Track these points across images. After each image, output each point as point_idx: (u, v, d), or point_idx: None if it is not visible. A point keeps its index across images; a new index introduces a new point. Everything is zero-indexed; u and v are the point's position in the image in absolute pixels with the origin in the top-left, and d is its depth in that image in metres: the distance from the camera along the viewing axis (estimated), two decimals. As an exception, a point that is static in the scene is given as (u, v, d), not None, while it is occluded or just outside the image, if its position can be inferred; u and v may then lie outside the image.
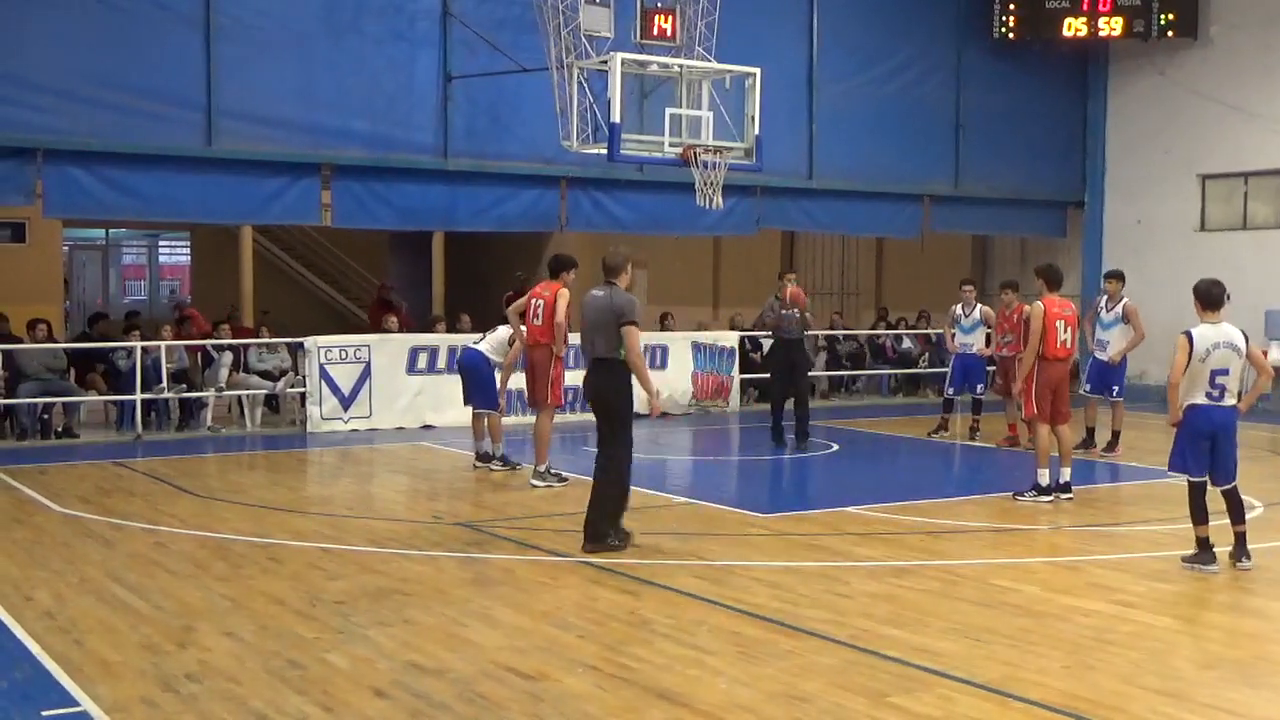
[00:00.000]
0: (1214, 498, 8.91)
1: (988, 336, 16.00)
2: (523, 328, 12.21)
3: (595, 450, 13.13)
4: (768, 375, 16.28)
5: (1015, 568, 8.94)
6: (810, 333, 16.44)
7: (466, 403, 13.43)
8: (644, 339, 18.36)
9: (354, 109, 16.78)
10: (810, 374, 17.42)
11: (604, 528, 9.12)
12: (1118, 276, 14.86)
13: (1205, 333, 8.71)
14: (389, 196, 17.42)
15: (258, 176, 16.50)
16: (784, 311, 15.22)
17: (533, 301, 12.10)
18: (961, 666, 6.54)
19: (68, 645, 6.85)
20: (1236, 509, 8.86)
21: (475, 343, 13.45)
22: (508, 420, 13.88)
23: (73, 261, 34.46)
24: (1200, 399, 8.70)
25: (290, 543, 9.46)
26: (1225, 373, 8.68)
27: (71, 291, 32.17)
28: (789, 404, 15.29)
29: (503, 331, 13.16)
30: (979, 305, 16.11)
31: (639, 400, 9.45)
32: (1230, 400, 8.76)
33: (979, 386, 16.07)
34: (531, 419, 12.90)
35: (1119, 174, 22.77)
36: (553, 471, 12.18)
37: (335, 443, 15.54)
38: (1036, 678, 6.38)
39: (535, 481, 12.05)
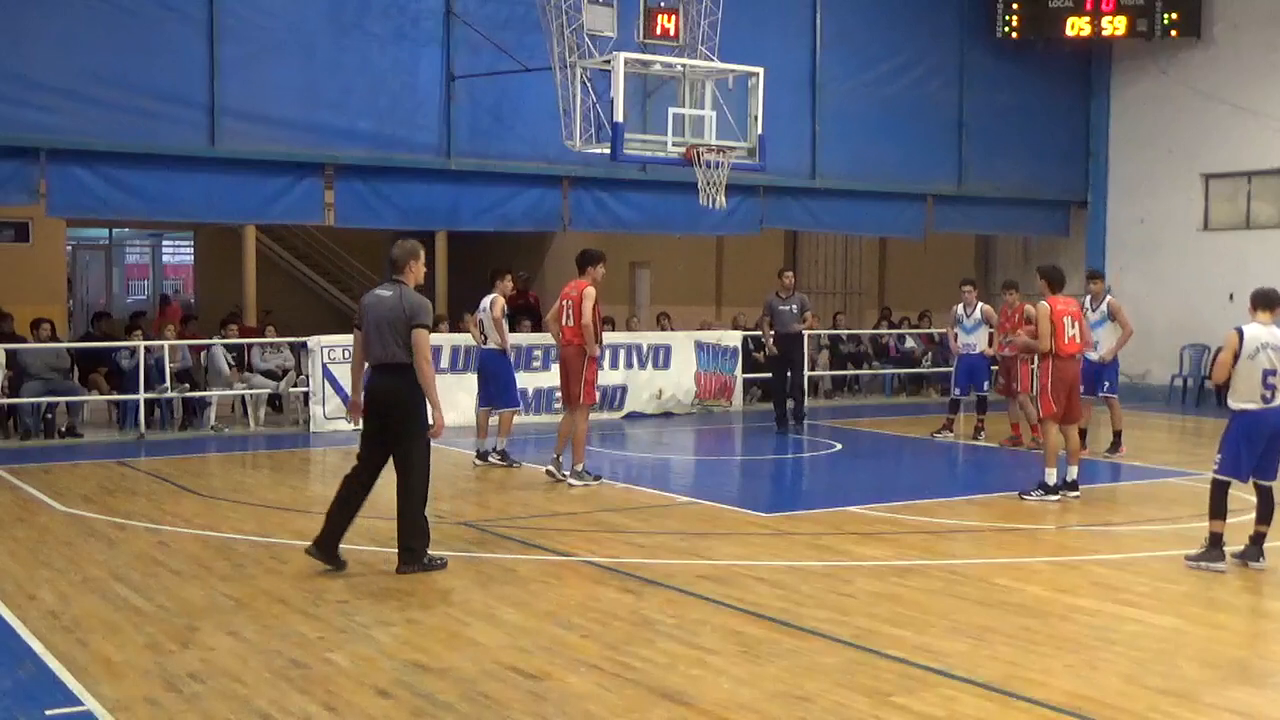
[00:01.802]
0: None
1: (990, 336, 16.02)
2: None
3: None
4: (770, 371, 17.45)
5: (1018, 567, 8.93)
6: (812, 331, 17.45)
7: (486, 404, 13.49)
8: (646, 338, 18.84)
9: (357, 108, 16.78)
10: (814, 373, 17.73)
11: (418, 545, 8.52)
12: (1099, 276, 14.97)
13: (1256, 331, 8.73)
14: (392, 196, 17.43)
15: (261, 176, 16.50)
16: (780, 307, 16.53)
17: (564, 303, 12.12)
18: (964, 666, 6.54)
19: (71, 644, 6.86)
20: (1267, 508, 8.84)
21: (484, 343, 13.46)
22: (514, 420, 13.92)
23: (76, 261, 34.50)
24: (1256, 403, 8.68)
25: (293, 542, 9.45)
26: (1275, 373, 8.69)
27: (75, 291, 32.22)
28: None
29: (483, 303, 13.36)
30: (980, 305, 16.11)
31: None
32: (1278, 400, 8.74)
33: (984, 384, 16.10)
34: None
35: (1122, 173, 22.74)
36: (589, 471, 12.23)
37: (338, 442, 15.54)
38: (1039, 677, 6.38)
39: (574, 481, 12.07)
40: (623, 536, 9.92)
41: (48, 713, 5.82)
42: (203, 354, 17.13)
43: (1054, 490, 11.42)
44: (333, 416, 16.33)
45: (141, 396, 16.00)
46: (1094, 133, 22.98)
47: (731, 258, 25.60)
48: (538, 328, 19.47)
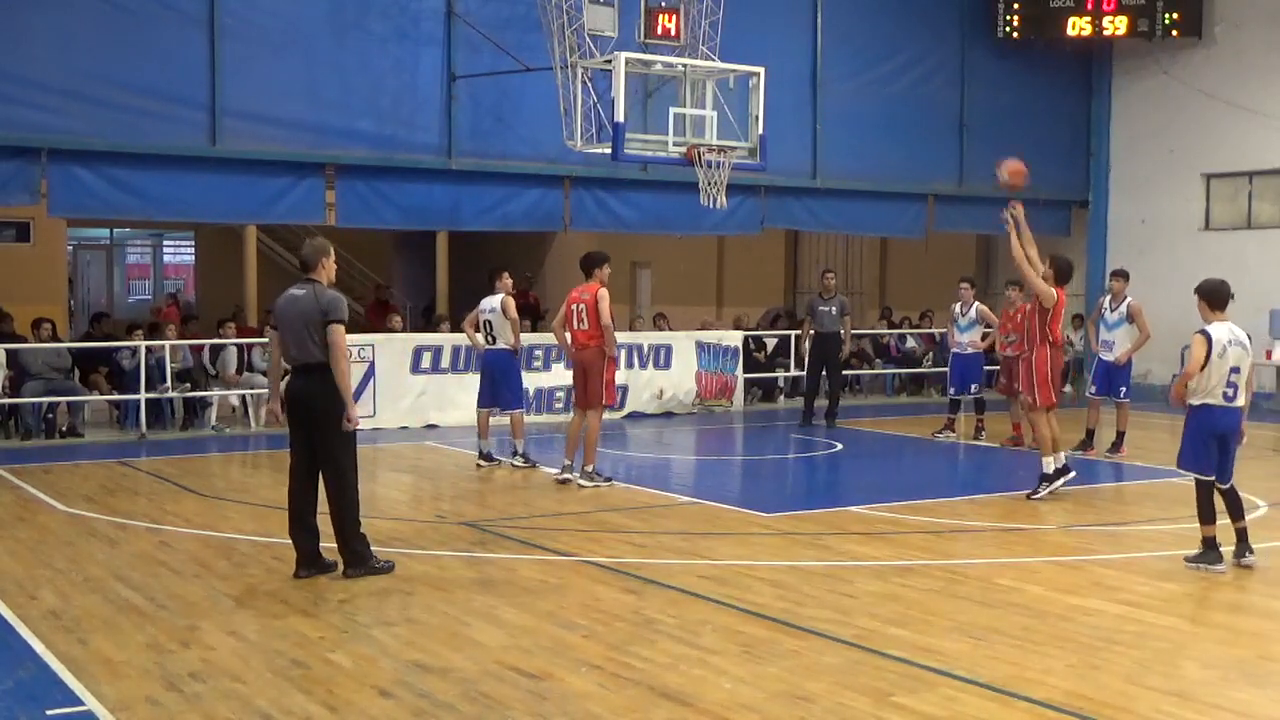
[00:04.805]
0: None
1: (984, 334, 16.05)
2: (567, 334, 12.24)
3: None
4: (805, 369, 18.15)
5: (1019, 567, 8.93)
6: (851, 332, 17.96)
7: (490, 404, 13.44)
8: (647, 338, 18.84)
9: (358, 108, 16.78)
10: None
11: (360, 548, 8.45)
12: (1122, 275, 14.87)
13: (1220, 331, 8.77)
14: (393, 196, 17.43)
15: (262, 176, 16.50)
16: (820, 308, 17.14)
17: (573, 306, 12.06)
18: (965, 666, 6.54)
19: (72, 644, 6.86)
20: (1236, 505, 8.88)
21: (492, 344, 13.37)
22: (499, 420, 13.87)
23: (77, 261, 34.51)
24: (1216, 399, 8.71)
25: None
26: (1237, 371, 8.72)
27: (76, 291, 32.23)
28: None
29: (489, 305, 13.21)
30: (975, 304, 16.12)
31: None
32: (1240, 401, 8.77)
33: (972, 386, 16.09)
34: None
35: (1123, 173, 22.74)
36: (599, 472, 12.24)
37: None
38: (1041, 677, 6.38)
39: (584, 481, 12.05)
40: (624, 537, 9.92)
41: (49, 712, 5.82)
42: (204, 353, 17.11)
43: (1055, 478, 11.48)
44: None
45: (142, 396, 16.00)
46: (1095, 132, 22.98)
47: (732, 258, 25.59)
48: (536, 328, 19.49)
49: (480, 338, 13.43)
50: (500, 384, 13.32)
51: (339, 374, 8.29)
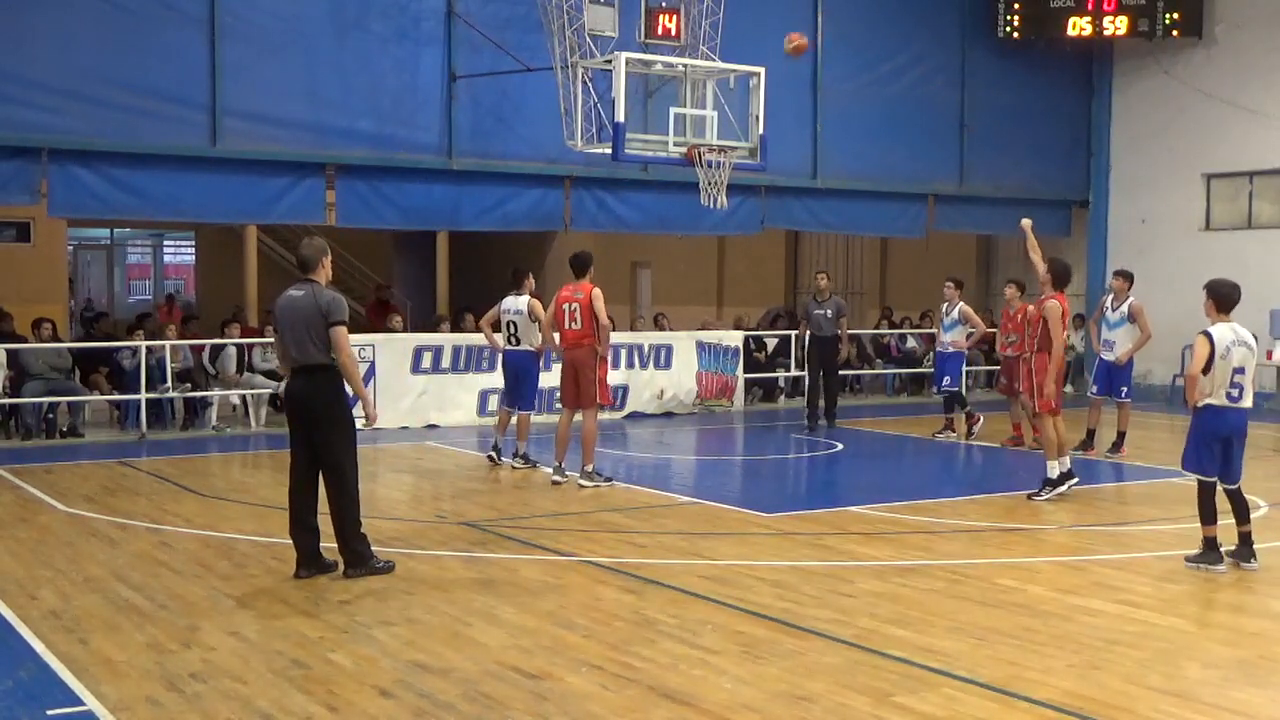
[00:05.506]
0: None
1: (968, 334, 16.08)
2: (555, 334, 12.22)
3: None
4: (806, 371, 17.93)
5: (1020, 567, 8.93)
6: (848, 332, 17.76)
7: (512, 404, 13.41)
8: (647, 338, 18.84)
9: (358, 108, 16.77)
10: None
11: (361, 548, 8.44)
12: (1125, 276, 14.81)
13: (1223, 332, 8.75)
14: (393, 196, 17.42)
15: (262, 176, 16.49)
16: (815, 311, 16.94)
17: (565, 306, 12.05)
18: (966, 666, 6.54)
19: (72, 644, 6.86)
20: (1242, 508, 8.88)
21: (515, 344, 13.24)
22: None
23: (77, 261, 34.53)
24: (1220, 400, 8.71)
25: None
26: (1242, 371, 8.71)
27: (76, 291, 32.23)
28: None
29: (513, 304, 13.13)
30: (960, 304, 16.12)
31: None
32: (1246, 401, 8.76)
33: (945, 379, 16.13)
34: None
35: (1124, 173, 22.73)
36: (599, 472, 12.22)
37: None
38: (1041, 678, 6.38)
39: (584, 481, 12.03)
40: (624, 537, 9.92)
41: (49, 712, 5.82)
42: (204, 353, 17.11)
43: (1059, 482, 11.46)
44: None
45: (143, 396, 16.00)
46: (1095, 132, 22.98)
47: (732, 258, 25.60)
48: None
49: (499, 338, 13.41)
50: (522, 384, 13.29)
51: (349, 374, 8.37)
